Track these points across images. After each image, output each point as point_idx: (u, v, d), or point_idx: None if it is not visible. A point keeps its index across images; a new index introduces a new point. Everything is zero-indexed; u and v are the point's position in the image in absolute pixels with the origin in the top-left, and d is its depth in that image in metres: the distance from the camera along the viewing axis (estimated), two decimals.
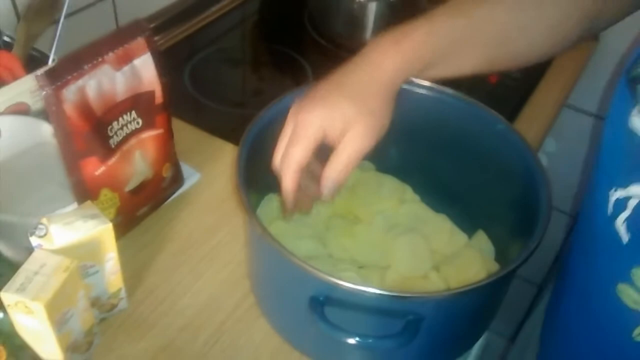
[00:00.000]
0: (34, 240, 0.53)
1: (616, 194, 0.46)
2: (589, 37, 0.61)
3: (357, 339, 0.47)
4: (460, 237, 0.68)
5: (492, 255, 0.65)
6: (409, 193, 0.71)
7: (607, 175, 0.50)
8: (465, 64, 0.59)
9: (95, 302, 0.58)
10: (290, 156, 0.53)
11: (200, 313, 0.63)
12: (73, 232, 0.53)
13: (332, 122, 0.52)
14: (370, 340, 0.47)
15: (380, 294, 0.46)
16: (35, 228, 0.53)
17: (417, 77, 0.58)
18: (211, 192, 0.75)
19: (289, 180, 0.54)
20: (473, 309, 0.53)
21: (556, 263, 1.35)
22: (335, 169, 0.54)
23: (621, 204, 0.46)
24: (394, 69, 0.54)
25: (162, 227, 0.70)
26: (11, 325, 0.51)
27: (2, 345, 0.51)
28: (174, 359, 0.59)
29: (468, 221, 0.68)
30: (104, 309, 0.60)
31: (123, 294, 0.60)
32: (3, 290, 0.48)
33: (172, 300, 0.64)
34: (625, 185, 0.46)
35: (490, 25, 0.57)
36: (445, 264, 0.65)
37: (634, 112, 0.46)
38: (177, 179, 0.73)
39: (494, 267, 0.64)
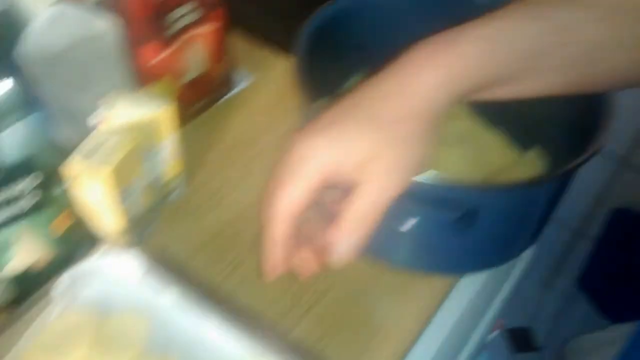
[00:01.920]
0: (94, 120, 0.54)
1: None
2: None
3: (414, 222, 0.47)
4: (513, 153, 0.67)
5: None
6: (461, 106, 0.70)
7: None
8: (537, 86, 0.43)
9: (151, 186, 0.59)
10: (279, 198, 0.40)
11: (249, 208, 0.64)
12: (134, 113, 0.54)
13: (341, 156, 0.39)
14: (424, 228, 0.48)
15: (437, 185, 0.46)
16: (97, 109, 0.54)
17: (466, 99, 0.42)
18: (262, 96, 0.75)
19: (273, 230, 0.41)
20: (530, 207, 0.53)
21: None
22: (349, 227, 0.39)
23: None
24: (432, 88, 0.39)
25: (213, 126, 0.71)
26: (74, 197, 0.53)
27: (65, 215, 0.52)
28: (223, 247, 0.60)
29: (522, 138, 0.67)
30: (159, 195, 0.61)
31: (178, 181, 0.62)
32: (70, 158, 0.50)
33: (223, 195, 0.65)
34: None
35: (580, 35, 0.41)
36: (495, 179, 0.64)
37: None
38: (230, 80, 0.73)
39: None
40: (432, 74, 0.39)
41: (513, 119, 0.67)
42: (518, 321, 1.38)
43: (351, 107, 0.40)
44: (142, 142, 0.54)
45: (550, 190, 0.51)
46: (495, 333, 0.79)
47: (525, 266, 0.75)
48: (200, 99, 0.69)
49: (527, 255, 0.76)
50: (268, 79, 0.77)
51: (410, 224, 0.48)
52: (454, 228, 0.48)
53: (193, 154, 0.67)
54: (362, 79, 0.67)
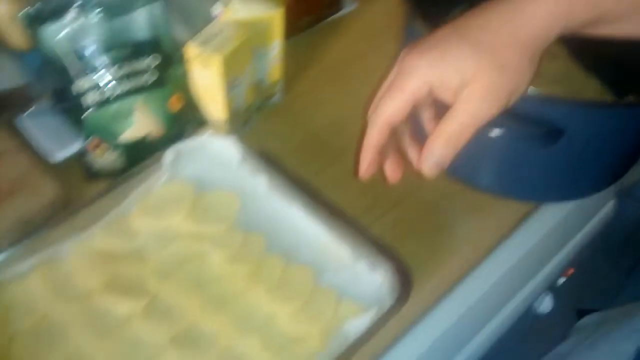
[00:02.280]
0: (213, 12, 0.59)
1: None
2: None
3: (499, 132, 0.49)
4: (608, 97, 0.67)
5: None
6: (559, 49, 0.70)
7: None
8: None
9: (255, 85, 0.64)
10: (380, 107, 0.44)
11: (340, 122, 0.67)
12: (247, 12, 0.59)
13: (442, 75, 0.41)
14: (507, 143, 0.49)
15: (525, 96, 0.47)
16: (215, 4, 0.59)
17: (577, 31, 0.42)
18: (365, 24, 0.78)
19: (371, 134, 0.45)
20: (617, 134, 0.53)
21: None
22: (441, 140, 0.42)
23: None
24: (545, 17, 0.40)
25: (317, 43, 0.75)
26: (189, 80, 0.58)
27: (180, 95, 0.58)
28: (313, 151, 0.64)
29: (617, 85, 0.66)
30: (261, 95, 0.66)
31: (280, 86, 0.66)
32: (188, 44, 0.55)
33: (318, 107, 0.69)
34: None
35: None
36: None
37: None
38: (337, 1, 0.76)
39: None
40: (548, 5, 0.40)
41: (610, 66, 0.66)
42: (593, 305, 1.35)
43: (457, 30, 0.42)
44: (252, 39, 0.58)
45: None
46: (563, 279, 0.79)
47: (605, 220, 0.75)
48: (308, 14, 0.73)
49: (608, 211, 0.76)
50: (372, 8, 0.80)
51: (494, 133, 0.49)
52: (538, 146, 0.50)
53: (295, 65, 0.72)
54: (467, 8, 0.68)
